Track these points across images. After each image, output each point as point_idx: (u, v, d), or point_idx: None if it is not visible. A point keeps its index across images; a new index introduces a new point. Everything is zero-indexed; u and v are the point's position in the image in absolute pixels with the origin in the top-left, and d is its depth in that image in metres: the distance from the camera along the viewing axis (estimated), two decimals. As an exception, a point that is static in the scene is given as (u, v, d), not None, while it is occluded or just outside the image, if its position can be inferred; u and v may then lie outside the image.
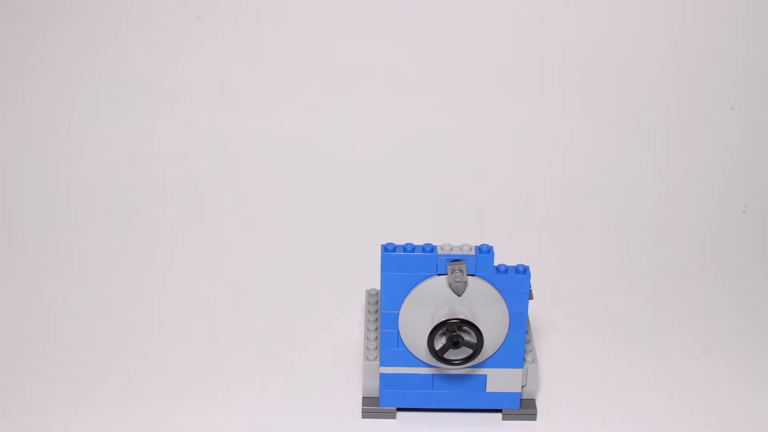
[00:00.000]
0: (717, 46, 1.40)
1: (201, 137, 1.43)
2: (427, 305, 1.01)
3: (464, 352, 1.01)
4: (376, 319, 1.12)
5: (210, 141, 1.43)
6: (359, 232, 1.37)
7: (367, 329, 1.10)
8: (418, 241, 1.33)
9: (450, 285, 1.00)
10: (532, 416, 1.08)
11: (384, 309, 1.02)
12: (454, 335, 0.99)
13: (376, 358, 1.07)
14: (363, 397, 1.08)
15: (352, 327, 1.21)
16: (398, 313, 1.02)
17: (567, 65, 1.41)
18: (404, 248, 1.00)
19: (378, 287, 1.18)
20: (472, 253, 0.99)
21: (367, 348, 1.08)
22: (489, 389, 1.06)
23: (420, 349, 1.03)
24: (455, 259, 0.99)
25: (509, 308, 1.02)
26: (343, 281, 1.29)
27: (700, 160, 1.42)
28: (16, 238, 1.36)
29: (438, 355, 1.01)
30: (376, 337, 1.09)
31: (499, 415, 1.08)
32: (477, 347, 1.00)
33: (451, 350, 1.01)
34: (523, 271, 1.01)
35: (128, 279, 1.30)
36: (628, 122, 1.42)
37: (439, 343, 1.01)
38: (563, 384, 1.12)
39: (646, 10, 1.39)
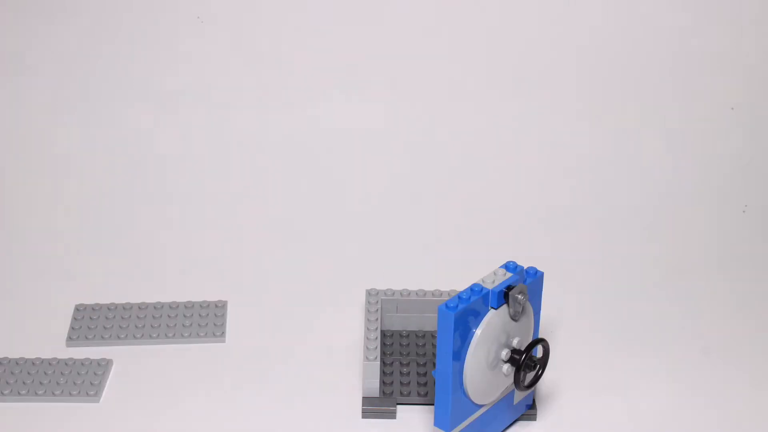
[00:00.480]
0: (717, 46, 1.39)
1: (201, 137, 1.43)
2: (488, 344, 0.97)
3: (534, 370, 1.01)
4: (377, 319, 1.12)
5: (211, 140, 1.43)
6: (359, 232, 1.37)
7: (368, 329, 1.10)
8: (419, 240, 1.33)
9: (513, 313, 0.98)
10: (532, 416, 1.07)
11: (453, 370, 0.95)
12: (529, 360, 0.98)
13: (376, 358, 1.06)
14: (363, 397, 1.08)
15: (352, 327, 1.21)
16: (464, 367, 0.97)
17: (567, 65, 1.41)
18: (460, 298, 0.94)
19: (378, 287, 1.18)
20: (506, 276, 0.97)
21: (367, 348, 1.07)
22: (516, 401, 1.05)
23: (481, 390, 0.99)
24: (509, 286, 0.97)
25: None
26: (344, 281, 1.29)
27: (700, 160, 1.42)
28: (15, 238, 1.36)
29: (524, 384, 0.99)
30: (376, 337, 1.09)
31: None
32: (545, 360, 1.00)
33: (529, 373, 1.00)
34: (534, 274, 1.01)
35: (127, 278, 1.30)
36: (628, 122, 1.42)
37: (511, 372, 1.00)
38: (563, 384, 1.12)
39: (647, 10, 1.38)
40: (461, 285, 1.18)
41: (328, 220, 1.39)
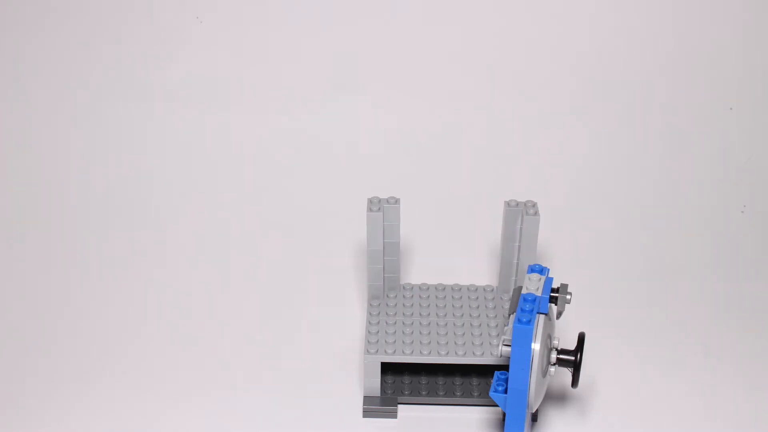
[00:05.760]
0: (717, 46, 1.39)
1: (201, 136, 1.43)
2: (543, 350, 0.96)
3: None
4: (378, 313, 1.11)
5: (212, 140, 1.43)
6: (359, 230, 1.36)
7: (369, 323, 1.08)
8: (426, 234, 1.31)
9: (558, 313, 0.98)
10: (533, 417, 1.07)
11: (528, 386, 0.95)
12: (577, 356, 0.98)
13: (377, 351, 1.05)
14: (364, 396, 1.07)
15: (352, 326, 1.20)
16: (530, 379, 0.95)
17: (567, 65, 1.40)
18: (523, 311, 0.94)
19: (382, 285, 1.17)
20: (542, 280, 0.98)
21: (369, 342, 1.06)
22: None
23: (535, 398, 0.97)
24: (554, 288, 0.98)
25: None
26: (344, 280, 1.28)
27: (700, 160, 1.42)
28: (9, 238, 1.34)
29: (577, 380, 0.99)
30: (378, 331, 1.08)
31: (500, 415, 1.07)
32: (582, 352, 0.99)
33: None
34: (539, 270, 1.00)
35: (125, 278, 1.28)
36: (629, 122, 1.41)
37: (553, 373, 1.00)
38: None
39: (646, 10, 1.38)
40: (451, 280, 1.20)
41: (327, 217, 1.38)
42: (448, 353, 1.05)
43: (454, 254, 1.32)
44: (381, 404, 1.06)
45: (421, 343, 1.06)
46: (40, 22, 1.38)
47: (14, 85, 1.40)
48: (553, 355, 0.98)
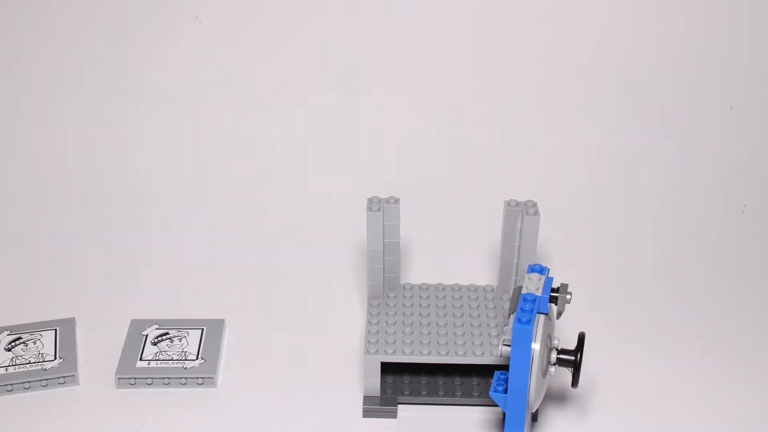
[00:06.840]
0: (717, 46, 1.39)
1: (199, 136, 1.42)
2: (543, 350, 0.95)
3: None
4: (378, 313, 1.11)
5: (210, 140, 1.42)
6: (359, 230, 1.36)
7: (369, 323, 1.08)
8: (426, 234, 1.31)
9: (558, 313, 0.98)
10: (533, 417, 1.07)
11: (528, 386, 0.95)
12: (577, 356, 0.98)
13: (377, 351, 1.05)
14: (364, 396, 1.07)
15: (353, 325, 1.19)
16: (530, 379, 0.95)
17: (567, 65, 1.40)
18: (523, 311, 0.93)
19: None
20: (542, 280, 0.97)
21: (368, 341, 1.05)
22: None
23: (535, 398, 0.96)
24: (554, 288, 0.98)
25: None
26: (344, 280, 1.28)
27: (700, 160, 1.41)
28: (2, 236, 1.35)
29: (577, 380, 0.99)
30: (377, 331, 1.08)
31: (500, 415, 1.07)
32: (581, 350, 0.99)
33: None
34: (539, 270, 1.00)
35: (123, 278, 1.28)
36: (628, 122, 1.41)
37: (554, 373, 0.99)
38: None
39: (646, 10, 1.38)
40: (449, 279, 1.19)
41: (328, 218, 1.38)
42: (448, 353, 1.05)
43: (454, 254, 1.32)
44: (381, 404, 1.06)
45: (421, 343, 1.06)
46: (36, 23, 1.38)
47: (7, 82, 1.40)
48: (553, 355, 0.98)
